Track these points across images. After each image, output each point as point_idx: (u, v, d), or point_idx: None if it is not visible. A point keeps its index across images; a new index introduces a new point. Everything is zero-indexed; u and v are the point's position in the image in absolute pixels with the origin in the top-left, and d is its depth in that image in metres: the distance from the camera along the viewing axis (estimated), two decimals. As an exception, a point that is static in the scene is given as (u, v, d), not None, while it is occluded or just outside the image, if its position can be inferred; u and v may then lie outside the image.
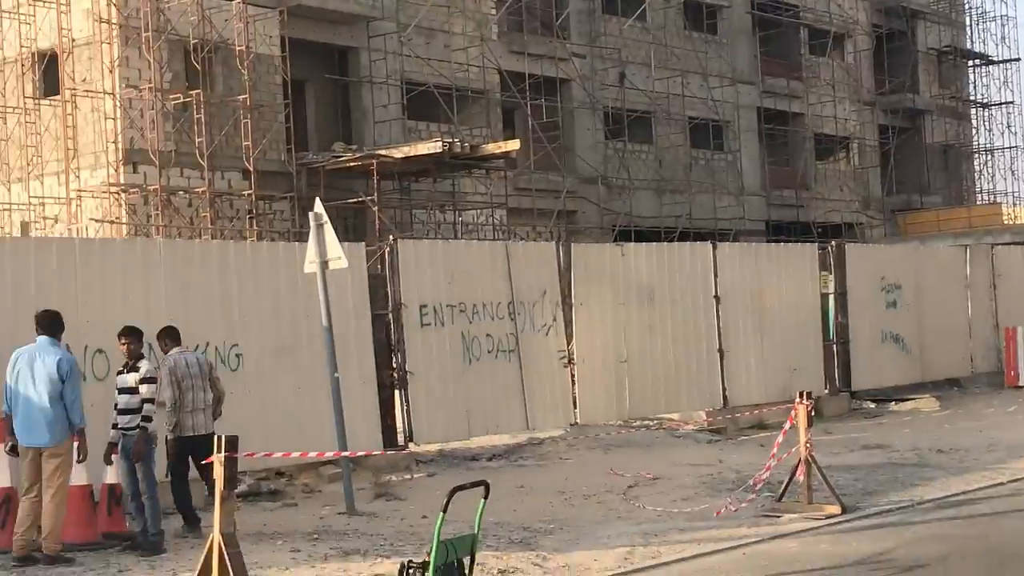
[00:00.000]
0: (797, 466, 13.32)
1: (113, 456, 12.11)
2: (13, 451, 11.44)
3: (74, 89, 27.64)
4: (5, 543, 11.48)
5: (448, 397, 17.67)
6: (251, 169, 28.34)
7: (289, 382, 15.73)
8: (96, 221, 26.82)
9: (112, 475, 12.43)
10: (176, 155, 27.75)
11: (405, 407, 17.20)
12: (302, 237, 27.97)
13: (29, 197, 27.81)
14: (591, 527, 12.71)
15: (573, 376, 19.49)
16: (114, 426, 11.99)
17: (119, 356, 12.50)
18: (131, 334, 11.99)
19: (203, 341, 14.94)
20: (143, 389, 11.74)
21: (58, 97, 27.99)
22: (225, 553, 9.23)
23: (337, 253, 13.89)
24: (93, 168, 27.47)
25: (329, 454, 13.02)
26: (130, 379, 11.85)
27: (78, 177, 27.49)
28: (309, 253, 14.10)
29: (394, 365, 17.25)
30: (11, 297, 13.28)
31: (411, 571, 9.36)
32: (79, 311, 13.83)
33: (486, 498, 9.60)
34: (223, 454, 9.33)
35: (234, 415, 15.02)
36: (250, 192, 28.47)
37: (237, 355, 15.33)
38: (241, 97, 28.40)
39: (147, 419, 11.73)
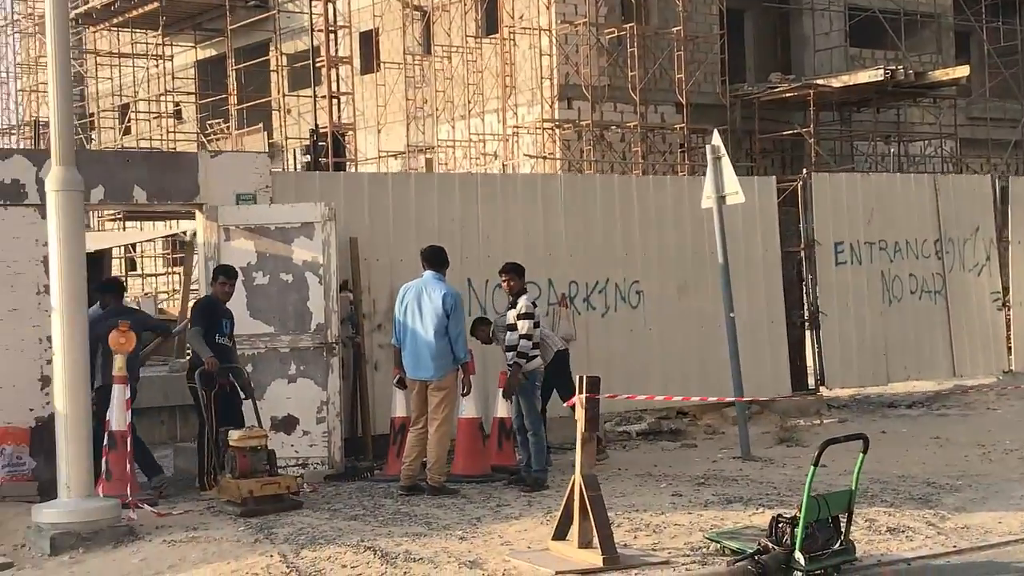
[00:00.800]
0: None
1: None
2: (401, 384, 11.74)
3: (512, 27, 28.20)
4: (397, 471, 11.80)
5: (864, 339, 16.77)
6: (684, 102, 28.06)
7: (692, 320, 15.38)
8: (529, 157, 27.34)
9: (502, 408, 12.52)
10: (609, 90, 27.87)
11: (816, 349, 16.48)
12: (736, 172, 27.55)
13: (470, 134, 28.70)
14: (1005, 485, 11.65)
15: (1008, 320, 18.07)
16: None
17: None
18: (512, 271, 11.94)
19: (603, 277, 14.90)
20: (520, 325, 11.69)
21: (497, 35, 28.65)
22: (585, 495, 9.07)
23: (734, 188, 13.36)
24: (530, 104, 28.00)
25: (713, 398, 12.59)
26: (511, 316, 11.84)
27: (515, 114, 28.09)
28: (706, 188, 13.64)
29: (805, 305, 16.54)
30: (414, 231, 13.60)
31: (781, 525, 8.92)
32: (480, 246, 14.06)
33: (864, 452, 9.01)
34: (584, 395, 9.15)
35: (633, 353, 14.99)
36: (682, 126, 28.22)
37: (638, 292, 15.14)
38: (675, 29, 28.12)
39: (522, 355, 11.66)
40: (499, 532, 10.01)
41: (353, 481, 12.27)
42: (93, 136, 39.04)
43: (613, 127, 27.97)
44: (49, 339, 10.48)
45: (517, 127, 27.93)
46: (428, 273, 11.52)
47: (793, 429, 15.02)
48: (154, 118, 35.38)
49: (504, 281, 11.99)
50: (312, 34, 30.89)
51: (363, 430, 13.32)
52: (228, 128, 34.24)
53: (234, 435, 10.82)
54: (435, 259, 11.57)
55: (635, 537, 9.75)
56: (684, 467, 12.85)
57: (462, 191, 14.13)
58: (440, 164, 29.29)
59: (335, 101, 29.84)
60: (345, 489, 11.87)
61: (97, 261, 20.48)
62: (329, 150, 28.64)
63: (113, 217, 34.23)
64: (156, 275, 36.07)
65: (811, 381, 16.58)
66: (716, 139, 13.68)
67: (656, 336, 15.22)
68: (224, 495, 10.83)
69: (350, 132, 30.60)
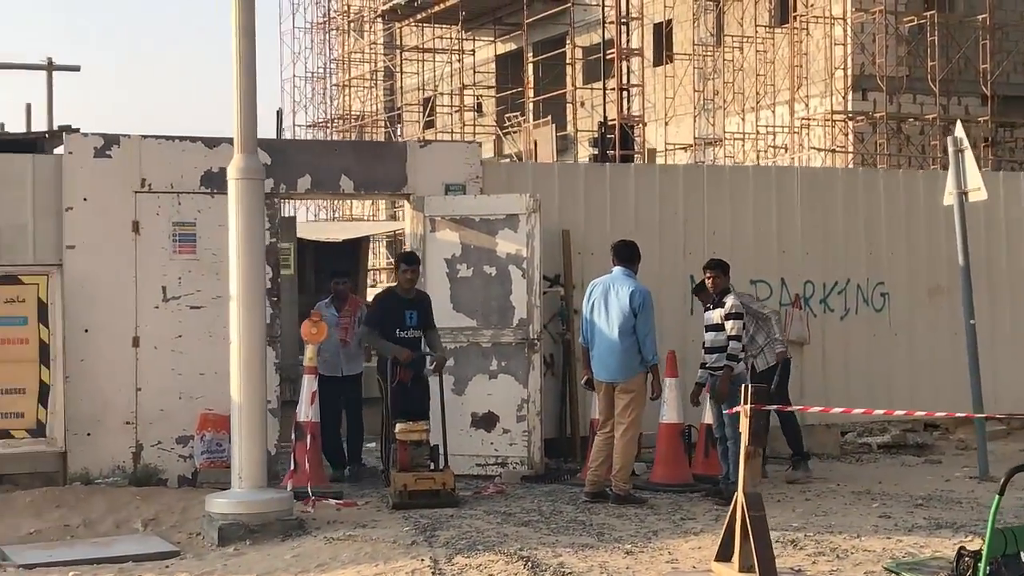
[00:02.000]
0: None
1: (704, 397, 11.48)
2: (589, 384, 11.11)
3: (805, 16, 27.09)
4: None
5: None
6: (989, 94, 26.26)
7: (944, 327, 14.16)
8: (818, 150, 26.16)
9: (709, 415, 11.78)
10: (908, 80, 26.37)
11: (1095, 361, 14.94)
12: (1047, 169, 25.62)
13: (756, 126, 27.72)
14: None
15: None
16: (702, 365, 11.30)
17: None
18: (717, 267, 11.18)
19: (842, 278, 13.98)
20: (728, 326, 10.92)
21: (790, 25, 27.57)
22: (747, 516, 8.32)
23: (977, 183, 12.15)
24: (822, 96, 26.81)
25: (960, 413, 11.51)
26: (715, 315, 11.08)
27: (806, 106, 26.95)
28: (948, 183, 12.47)
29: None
30: (633, 224, 13.02)
31: (965, 559, 7.97)
32: (706, 242, 13.35)
33: (1062, 481, 7.92)
34: (749, 406, 8.39)
35: (876, 359, 14.04)
36: (987, 118, 26.39)
37: (882, 295, 14.10)
38: (981, 17, 26.35)
39: (732, 358, 10.91)
40: (671, 548, 9.34)
41: (549, 483, 11.81)
42: (400, 130, 39.90)
43: (911, 119, 26.43)
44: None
45: (807, 119, 26.77)
46: (617, 269, 10.88)
47: (1055, 449, 13.65)
48: (455, 112, 35.85)
49: (708, 278, 11.24)
50: (604, 27, 30.54)
51: (571, 430, 12.84)
52: (523, 121, 34.29)
53: (397, 428, 10.56)
54: (625, 254, 10.91)
55: (814, 562, 8.91)
56: (909, 486, 11.79)
57: (687, 183, 13.43)
58: (728, 157, 28.42)
59: (624, 93, 29.43)
60: (536, 491, 11.41)
61: (353, 250, 20.73)
62: (616, 142, 28.21)
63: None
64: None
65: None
66: (959, 131, 12.48)
67: (903, 342, 14.12)
68: (390, 489, 10.63)
69: (640, 124, 30.09)
